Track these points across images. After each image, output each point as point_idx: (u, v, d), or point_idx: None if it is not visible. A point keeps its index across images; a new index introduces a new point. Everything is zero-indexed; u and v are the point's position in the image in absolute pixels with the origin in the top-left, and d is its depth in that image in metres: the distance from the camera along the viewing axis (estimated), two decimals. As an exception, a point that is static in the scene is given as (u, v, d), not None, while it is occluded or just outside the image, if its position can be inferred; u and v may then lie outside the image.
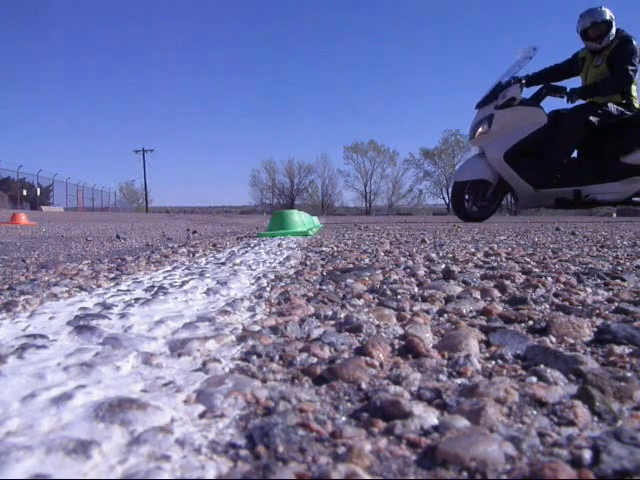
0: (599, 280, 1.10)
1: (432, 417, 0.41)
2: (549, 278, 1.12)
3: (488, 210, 6.97)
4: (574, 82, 6.78)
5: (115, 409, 0.40)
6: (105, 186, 51.68)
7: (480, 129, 6.79)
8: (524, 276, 1.17)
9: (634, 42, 6.14)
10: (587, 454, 0.34)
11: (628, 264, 1.41)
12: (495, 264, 1.42)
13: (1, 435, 0.36)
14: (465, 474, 0.33)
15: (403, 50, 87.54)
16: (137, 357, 0.55)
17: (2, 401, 0.42)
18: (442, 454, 0.34)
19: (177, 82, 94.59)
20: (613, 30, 6.18)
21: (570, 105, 6.39)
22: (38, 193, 31.72)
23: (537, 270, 1.28)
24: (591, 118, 6.14)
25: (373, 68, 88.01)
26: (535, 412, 0.42)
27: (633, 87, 6.27)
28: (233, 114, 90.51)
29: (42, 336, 0.64)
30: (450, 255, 1.73)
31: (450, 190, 7.37)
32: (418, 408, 0.42)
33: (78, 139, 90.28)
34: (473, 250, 1.94)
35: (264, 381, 0.49)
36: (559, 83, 6.56)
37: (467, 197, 6.83)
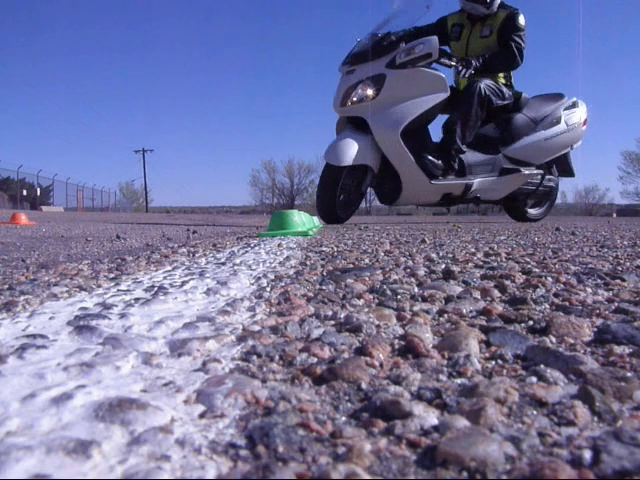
0: (599, 280, 1.10)
1: (432, 417, 0.41)
2: (549, 278, 1.12)
3: (351, 208, 5.21)
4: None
5: (115, 409, 0.40)
6: (105, 186, 51.83)
7: (362, 92, 4.81)
8: (524, 276, 1.17)
9: (522, 17, 5.24)
10: (587, 454, 0.34)
11: (628, 264, 1.41)
12: (495, 264, 1.42)
13: (1, 435, 0.36)
14: (465, 474, 0.33)
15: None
16: (137, 357, 0.55)
17: (2, 401, 0.42)
18: (442, 454, 0.34)
19: (177, 82, 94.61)
20: None
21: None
22: (38, 193, 31.75)
23: (537, 270, 1.28)
24: (492, 97, 5.07)
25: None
26: (535, 412, 0.42)
27: None
28: (233, 114, 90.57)
29: (42, 336, 0.64)
30: (450, 255, 1.73)
31: (320, 178, 5.01)
32: (418, 408, 0.42)
33: (78, 139, 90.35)
34: (473, 250, 1.94)
35: (264, 381, 0.49)
36: None
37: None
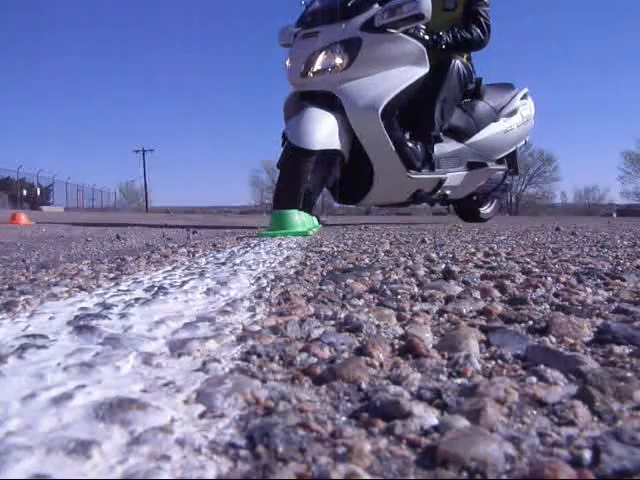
0: (599, 280, 1.10)
1: (432, 417, 0.41)
2: (549, 278, 1.12)
3: (312, 199, 4.00)
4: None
5: (115, 409, 0.40)
6: (105, 186, 51.89)
7: (329, 60, 3.76)
8: (524, 276, 1.17)
9: None
10: (587, 454, 0.34)
11: (628, 264, 1.41)
12: (495, 264, 1.42)
13: (1, 435, 0.36)
14: (465, 474, 0.33)
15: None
16: (137, 357, 0.55)
17: (2, 401, 0.42)
18: (442, 454, 0.34)
19: (177, 82, 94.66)
20: None
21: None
22: (38, 193, 31.78)
23: (537, 270, 1.28)
24: (467, 79, 4.43)
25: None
26: (535, 412, 0.42)
27: None
28: (233, 114, 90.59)
29: (42, 336, 0.64)
30: (450, 255, 1.73)
31: (281, 161, 3.90)
32: (418, 408, 0.42)
33: (78, 139, 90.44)
34: (473, 250, 1.94)
35: (264, 381, 0.49)
36: None
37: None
